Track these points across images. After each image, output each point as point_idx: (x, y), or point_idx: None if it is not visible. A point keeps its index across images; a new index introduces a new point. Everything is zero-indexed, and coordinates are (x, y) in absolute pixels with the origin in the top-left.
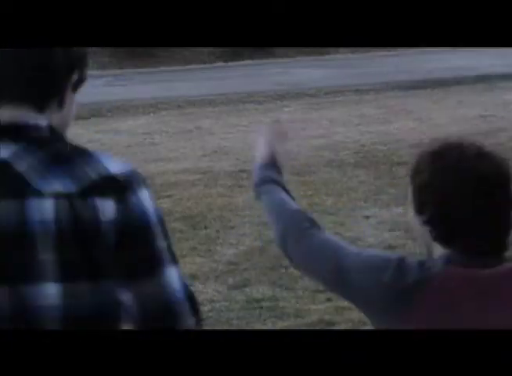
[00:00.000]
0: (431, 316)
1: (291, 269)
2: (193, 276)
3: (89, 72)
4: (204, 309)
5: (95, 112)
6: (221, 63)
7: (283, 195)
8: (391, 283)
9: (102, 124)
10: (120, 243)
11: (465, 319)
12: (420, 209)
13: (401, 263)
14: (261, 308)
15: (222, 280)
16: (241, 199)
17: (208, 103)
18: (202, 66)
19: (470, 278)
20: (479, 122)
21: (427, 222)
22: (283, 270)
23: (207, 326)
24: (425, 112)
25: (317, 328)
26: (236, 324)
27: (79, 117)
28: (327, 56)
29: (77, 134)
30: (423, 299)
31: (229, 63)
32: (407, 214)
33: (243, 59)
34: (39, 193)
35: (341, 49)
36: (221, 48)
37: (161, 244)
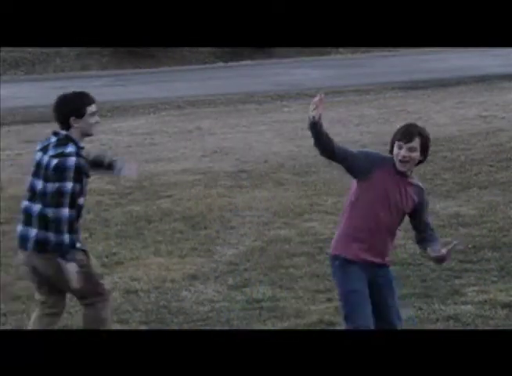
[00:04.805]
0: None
1: (291, 269)
2: (193, 276)
3: (89, 72)
4: (204, 309)
5: None
6: (221, 63)
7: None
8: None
9: (102, 124)
10: None
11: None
12: None
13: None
14: (261, 308)
15: (222, 280)
16: (241, 199)
17: (208, 103)
18: (202, 66)
19: None
20: (479, 122)
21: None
22: (283, 270)
23: (207, 326)
24: (425, 112)
25: (317, 328)
26: (236, 324)
27: None
28: (327, 56)
29: None
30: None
31: (229, 63)
32: None
33: (243, 59)
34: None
35: (341, 49)
36: (221, 48)
37: None
